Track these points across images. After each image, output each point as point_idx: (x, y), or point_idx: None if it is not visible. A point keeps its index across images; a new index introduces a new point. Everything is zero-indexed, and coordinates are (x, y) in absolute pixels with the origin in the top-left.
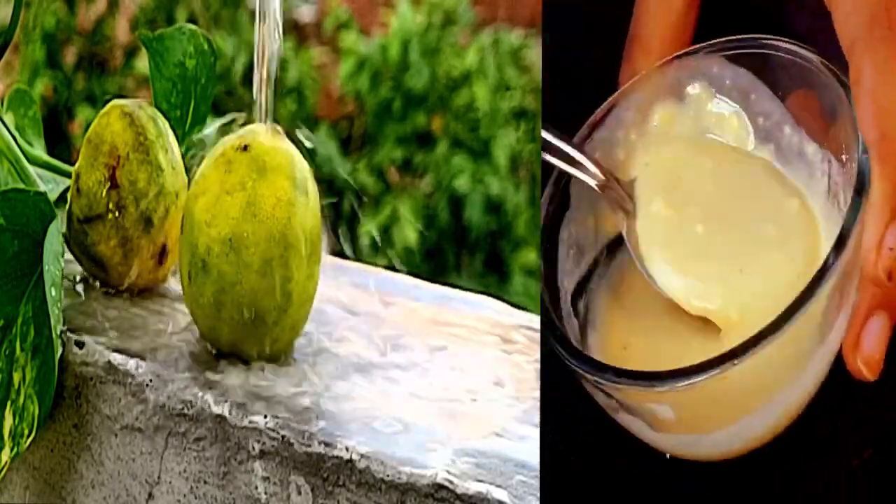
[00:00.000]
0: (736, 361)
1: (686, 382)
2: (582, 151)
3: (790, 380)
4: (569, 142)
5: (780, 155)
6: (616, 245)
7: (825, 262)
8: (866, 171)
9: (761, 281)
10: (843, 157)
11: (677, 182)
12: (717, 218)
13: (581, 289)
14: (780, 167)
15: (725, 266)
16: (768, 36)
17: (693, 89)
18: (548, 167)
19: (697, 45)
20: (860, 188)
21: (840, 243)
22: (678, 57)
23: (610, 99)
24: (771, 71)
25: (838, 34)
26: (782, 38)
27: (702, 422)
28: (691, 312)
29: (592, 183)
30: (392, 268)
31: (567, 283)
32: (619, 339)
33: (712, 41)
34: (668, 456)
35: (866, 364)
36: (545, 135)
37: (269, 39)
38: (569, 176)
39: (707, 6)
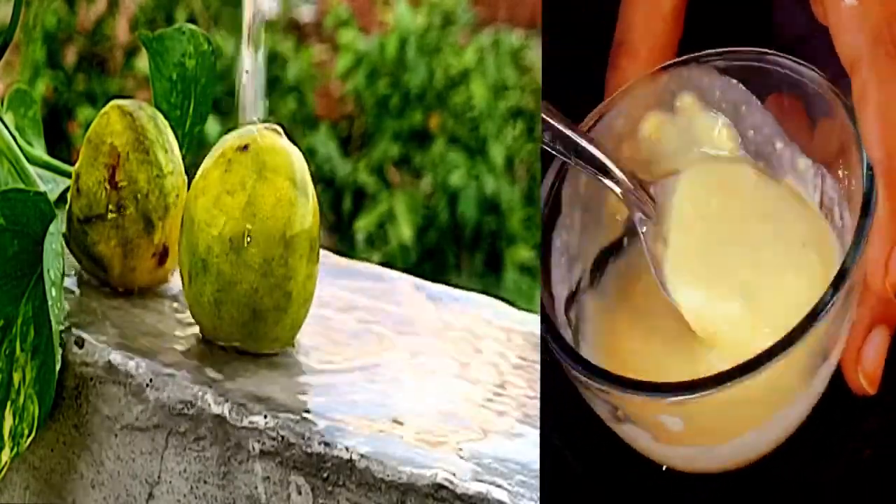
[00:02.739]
0: (751, 374)
1: (700, 394)
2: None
3: (796, 395)
4: (584, 135)
5: (770, 169)
6: (607, 255)
7: (833, 285)
8: (872, 190)
9: (774, 302)
10: (840, 171)
11: (706, 199)
12: (735, 239)
13: (572, 298)
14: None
15: (741, 287)
16: (761, 49)
17: (683, 100)
18: (547, 165)
19: (688, 56)
20: (866, 208)
21: (845, 268)
22: (669, 67)
23: (600, 106)
24: (763, 84)
25: (838, 49)
26: (775, 52)
27: (709, 434)
28: (697, 331)
29: (612, 185)
30: (391, 265)
31: (560, 291)
32: (617, 351)
33: (704, 52)
34: (664, 468)
35: (867, 377)
36: (555, 123)
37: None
38: (561, 180)
39: (693, 15)
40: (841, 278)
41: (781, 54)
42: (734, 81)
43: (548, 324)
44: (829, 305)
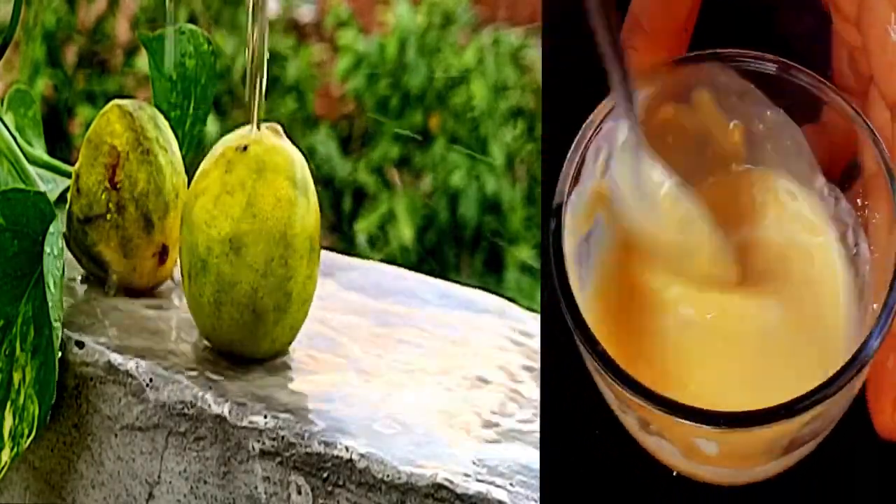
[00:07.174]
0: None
1: (749, 429)
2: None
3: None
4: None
5: (781, 180)
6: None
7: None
8: None
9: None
10: (859, 200)
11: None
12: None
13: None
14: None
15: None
16: (791, 63)
17: (699, 95)
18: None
19: (710, 51)
20: None
21: (887, 315)
22: (689, 59)
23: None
24: (785, 96)
25: (882, 88)
26: (804, 69)
27: (742, 460)
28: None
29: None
30: (391, 265)
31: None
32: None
33: (726, 50)
34: (674, 473)
35: None
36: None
37: (259, 38)
38: (581, 164)
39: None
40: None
41: (803, 69)
42: (752, 85)
43: (581, 329)
44: (869, 355)
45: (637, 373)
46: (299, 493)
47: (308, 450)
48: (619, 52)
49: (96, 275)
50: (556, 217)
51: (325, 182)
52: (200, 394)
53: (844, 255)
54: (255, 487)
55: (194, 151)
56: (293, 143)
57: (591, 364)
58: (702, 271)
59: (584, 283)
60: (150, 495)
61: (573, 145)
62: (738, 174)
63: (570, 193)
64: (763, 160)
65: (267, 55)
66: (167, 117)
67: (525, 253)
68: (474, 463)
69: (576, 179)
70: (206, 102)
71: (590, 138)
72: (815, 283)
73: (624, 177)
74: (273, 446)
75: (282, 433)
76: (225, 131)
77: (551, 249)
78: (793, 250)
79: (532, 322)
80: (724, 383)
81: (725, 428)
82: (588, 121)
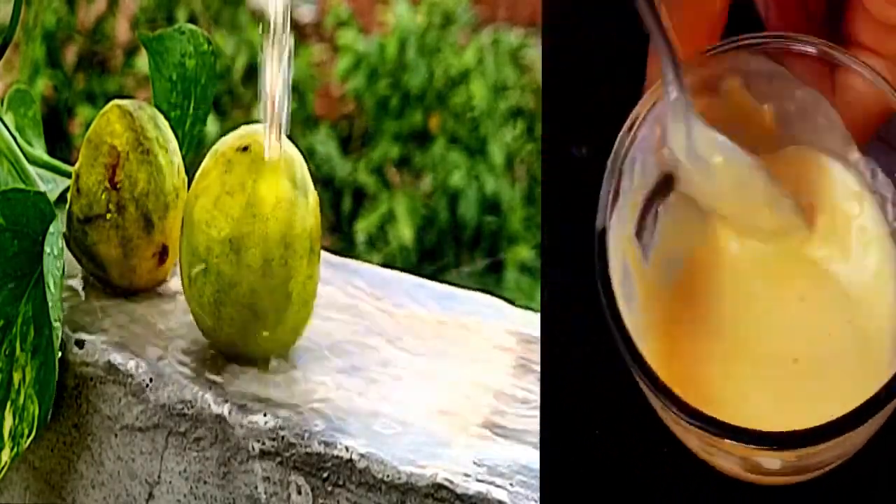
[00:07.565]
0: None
1: (810, 449)
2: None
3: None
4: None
5: (819, 155)
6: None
7: None
8: None
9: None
10: None
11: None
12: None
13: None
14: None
15: None
16: (814, 38)
17: (729, 84)
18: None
19: (734, 39)
20: None
21: None
22: (716, 51)
23: (650, 93)
24: (816, 74)
25: None
26: (826, 42)
27: (804, 472)
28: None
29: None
30: (391, 266)
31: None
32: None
33: (751, 35)
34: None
35: None
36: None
37: (280, 47)
38: (620, 172)
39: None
40: None
41: (833, 45)
42: (781, 67)
43: (639, 363)
44: None
45: (687, 395)
46: (299, 493)
47: (308, 450)
48: (661, 23)
49: (96, 275)
50: (599, 243)
51: (325, 182)
52: (200, 394)
53: (885, 228)
54: (255, 487)
55: (194, 151)
56: (293, 143)
57: (648, 393)
58: (769, 224)
59: (630, 304)
60: (150, 495)
61: (609, 165)
62: (776, 158)
63: (611, 215)
64: (797, 139)
65: (289, 69)
66: (167, 117)
67: (525, 253)
68: (474, 463)
69: (615, 196)
70: (206, 102)
71: (625, 153)
72: (864, 261)
73: (679, 144)
74: (273, 446)
75: (282, 433)
76: (225, 131)
77: (599, 281)
78: (841, 219)
79: (532, 322)
80: (780, 401)
81: (787, 450)
82: (620, 136)
